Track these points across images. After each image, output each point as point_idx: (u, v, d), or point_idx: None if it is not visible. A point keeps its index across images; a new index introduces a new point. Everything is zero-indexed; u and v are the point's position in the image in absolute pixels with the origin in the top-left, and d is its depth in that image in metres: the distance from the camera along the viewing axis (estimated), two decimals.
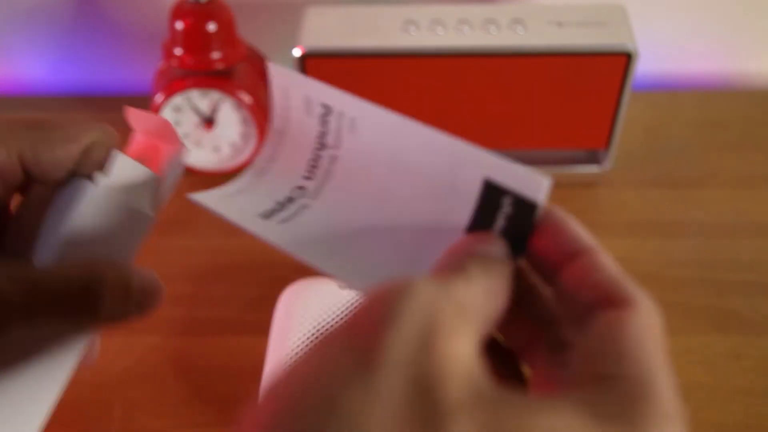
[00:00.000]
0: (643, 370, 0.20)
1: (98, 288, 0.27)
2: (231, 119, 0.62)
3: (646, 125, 0.70)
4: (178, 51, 0.60)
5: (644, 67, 0.74)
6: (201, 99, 0.61)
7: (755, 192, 0.63)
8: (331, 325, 0.46)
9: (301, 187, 0.28)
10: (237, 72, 0.61)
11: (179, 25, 0.59)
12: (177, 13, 0.59)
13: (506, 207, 0.25)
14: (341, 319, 0.46)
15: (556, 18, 0.59)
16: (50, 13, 0.72)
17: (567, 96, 0.60)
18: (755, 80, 0.77)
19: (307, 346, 0.45)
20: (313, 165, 0.28)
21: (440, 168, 0.26)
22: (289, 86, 0.28)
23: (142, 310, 0.29)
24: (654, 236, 0.60)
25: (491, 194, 0.25)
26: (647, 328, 0.22)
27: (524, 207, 0.25)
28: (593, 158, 0.66)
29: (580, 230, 0.25)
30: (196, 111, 0.62)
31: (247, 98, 0.61)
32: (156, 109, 0.61)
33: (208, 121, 0.63)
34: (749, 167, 0.66)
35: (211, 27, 0.59)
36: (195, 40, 0.59)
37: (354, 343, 0.19)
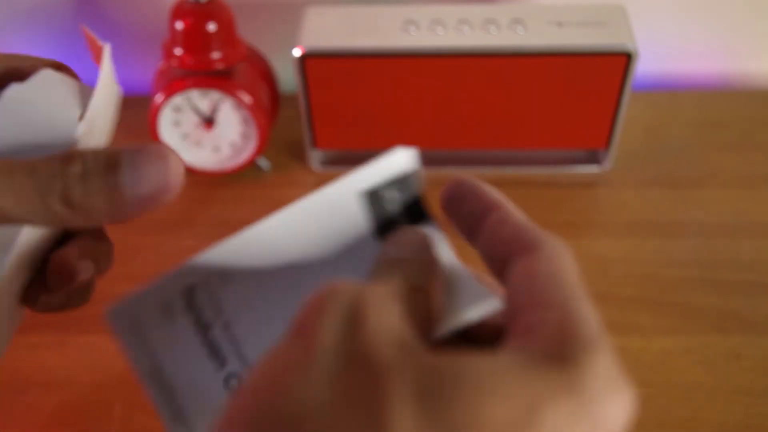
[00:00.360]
0: (561, 312, 0.21)
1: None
2: (231, 119, 0.62)
3: (646, 125, 0.70)
4: (178, 51, 0.60)
5: (644, 67, 0.74)
6: (201, 99, 0.61)
7: (755, 192, 0.63)
8: None
9: (227, 373, 0.25)
10: (237, 72, 0.61)
11: (179, 25, 0.59)
12: (177, 13, 0.59)
13: (390, 194, 0.26)
14: None
15: (556, 18, 0.59)
16: (50, 13, 0.72)
17: (567, 96, 0.60)
18: (755, 80, 0.77)
19: None
20: (214, 351, 0.25)
21: (326, 226, 0.26)
22: (136, 317, 0.24)
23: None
24: (654, 236, 0.60)
25: (373, 198, 0.26)
26: (556, 268, 0.22)
27: (403, 182, 0.26)
28: (593, 158, 0.66)
29: (487, 189, 0.26)
30: (196, 111, 0.62)
31: (247, 98, 0.61)
32: (156, 109, 0.61)
33: (208, 121, 0.63)
34: (749, 167, 0.66)
35: (211, 27, 0.59)
36: (195, 40, 0.59)
37: (295, 341, 0.20)
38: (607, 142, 0.63)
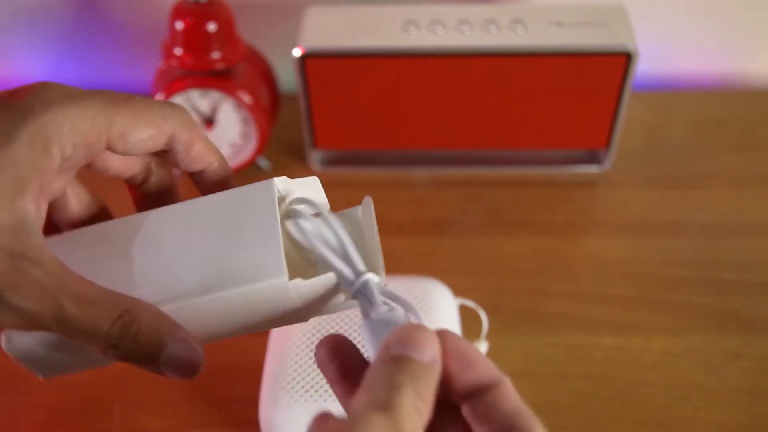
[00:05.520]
0: None
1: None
2: (231, 119, 0.62)
3: (646, 125, 0.70)
4: (178, 51, 0.60)
5: (644, 67, 0.74)
6: (201, 99, 0.61)
7: (755, 192, 0.63)
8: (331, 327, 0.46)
9: None
10: (237, 72, 0.61)
11: (179, 25, 0.59)
12: (177, 13, 0.59)
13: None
14: (340, 319, 0.46)
15: (556, 18, 0.59)
16: (50, 13, 0.72)
17: (567, 96, 0.60)
18: (755, 80, 0.77)
19: (307, 345, 0.45)
20: None
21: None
22: None
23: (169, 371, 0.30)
24: (654, 236, 0.60)
25: None
26: None
27: None
28: (593, 158, 0.66)
29: (486, 362, 0.26)
30: (196, 111, 0.62)
31: (247, 98, 0.61)
32: None
33: (208, 121, 0.63)
34: (749, 167, 0.66)
35: (211, 27, 0.59)
36: (195, 40, 0.59)
37: None
38: (607, 142, 0.63)
